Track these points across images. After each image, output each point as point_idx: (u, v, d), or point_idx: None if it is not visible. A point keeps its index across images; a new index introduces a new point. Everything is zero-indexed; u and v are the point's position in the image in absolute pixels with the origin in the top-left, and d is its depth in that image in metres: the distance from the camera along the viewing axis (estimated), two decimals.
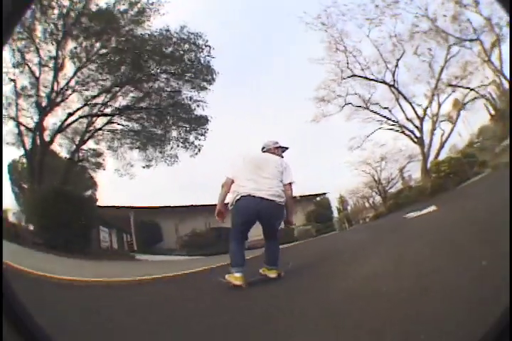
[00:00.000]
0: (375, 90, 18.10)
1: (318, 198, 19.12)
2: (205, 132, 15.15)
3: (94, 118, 14.59)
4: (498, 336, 0.83)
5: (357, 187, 20.34)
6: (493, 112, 17.70)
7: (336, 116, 17.94)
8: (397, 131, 18.00)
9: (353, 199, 20.89)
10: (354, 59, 17.23)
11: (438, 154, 16.76)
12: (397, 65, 16.92)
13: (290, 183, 3.52)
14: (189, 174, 18.34)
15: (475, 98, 17.16)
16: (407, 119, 17.52)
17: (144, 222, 14.68)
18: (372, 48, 17.22)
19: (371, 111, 18.01)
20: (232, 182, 3.50)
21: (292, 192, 3.56)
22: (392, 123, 18.12)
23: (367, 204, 20.92)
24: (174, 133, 15.61)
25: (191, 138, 15.43)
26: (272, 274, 3.43)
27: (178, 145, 15.48)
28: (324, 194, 18.95)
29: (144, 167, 15.62)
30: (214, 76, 14.86)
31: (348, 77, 17.34)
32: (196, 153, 15.28)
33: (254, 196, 3.26)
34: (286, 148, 4.02)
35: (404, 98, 17.27)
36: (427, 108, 17.33)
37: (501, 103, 17.13)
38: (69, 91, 13.51)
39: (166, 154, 15.61)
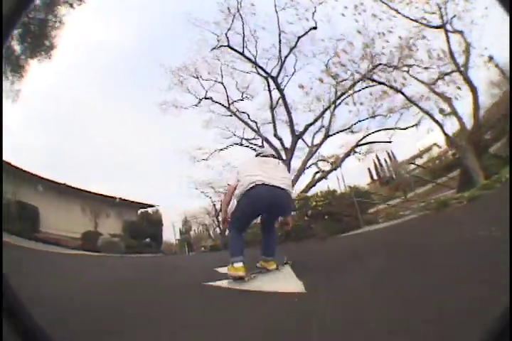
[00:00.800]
0: (252, 98, 14.87)
1: (149, 210, 16.04)
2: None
3: None
4: (498, 336, 0.89)
5: (198, 210, 18.04)
6: (375, 177, 17.40)
7: (191, 112, 15.10)
8: (253, 149, 14.86)
9: (194, 223, 18.78)
10: (244, 36, 13.13)
11: (307, 190, 12.86)
12: (293, 48, 13.28)
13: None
14: None
15: (371, 142, 14.27)
16: (276, 136, 13.97)
17: None
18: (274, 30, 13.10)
19: (236, 116, 14.69)
20: (235, 189, 3.61)
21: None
22: (255, 142, 15.07)
23: (206, 233, 18.74)
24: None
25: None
26: (271, 266, 3.60)
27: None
28: (152, 206, 15.77)
29: None
30: None
31: (220, 46, 13.30)
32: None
33: (268, 184, 3.36)
34: (278, 157, 4.31)
35: (286, 107, 13.50)
36: (310, 125, 13.85)
37: (389, 171, 17.27)
38: None
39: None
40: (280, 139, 13.85)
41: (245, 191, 3.40)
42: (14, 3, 1.05)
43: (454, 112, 10.15)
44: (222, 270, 3.62)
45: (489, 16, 9.52)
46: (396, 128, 13.34)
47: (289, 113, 13.50)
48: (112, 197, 13.79)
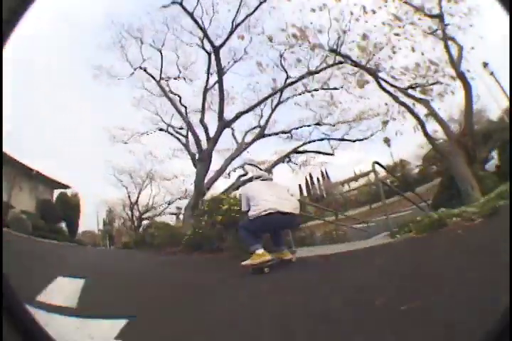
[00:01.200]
0: (191, 83, 13.42)
1: (68, 192, 14.30)
2: None
3: None
4: (498, 336, 0.92)
5: (116, 201, 16.46)
6: (305, 194, 17.70)
7: (124, 85, 14.31)
8: (177, 138, 13.67)
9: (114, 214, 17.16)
10: None
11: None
12: (250, 15, 11.59)
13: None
14: None
15: (310, 151, 13.08)
16: (201, 123, 12.53)
17: None
18: None
19: (166, 96, 13.14)
20: (247, 212, 4.05)
21: None
22: (181, 132, 13.66)
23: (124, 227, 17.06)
24: None
25: None
26: (286, 256, 4.02)
27: None
28: (68, 187, 14.10)
29: None
30: None
31: (173, 2, 11.58)
32: None
33: (280, 211, 3.81)
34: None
35: (220, 86, 11.99)
36: (242, 113, 12.47)
37: (320, 190, 17.69)
38: None
39: None
40: (205, 127, 12.54)
41: (261, 216, 3.81)
42: (14, 3, 1.08)
43: (434, 114, 8.45)
44: None
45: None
46: (343, 140, 12.33)
47: (221, 93, 11.94)
48: (29, 168, 12.18)
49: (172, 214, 15.52)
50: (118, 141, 13.78)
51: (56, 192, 14.17)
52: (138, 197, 15.42)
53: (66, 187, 14.24)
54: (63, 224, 13.25)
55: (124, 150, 14.06)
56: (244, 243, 3.97)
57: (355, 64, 9.72)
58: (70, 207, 13.78)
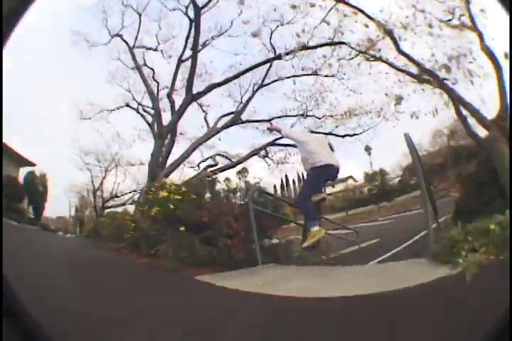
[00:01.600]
0: (169, 58, 12.22)
1: (37, 172, 13.50)
2: None
3: None
4: (498, 336, 0.94)
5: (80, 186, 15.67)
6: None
7: (100, 53, 12.63)
8: (142, 115, 12.87)
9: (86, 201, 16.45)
10: None
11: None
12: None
13: None
14: None
15: (287, 145, 11.58)
16: (169, 97, 11.62)
17: None
18: None
19: (138, 69, 12.39)
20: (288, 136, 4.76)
21: None
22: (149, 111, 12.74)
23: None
24: None
25: None
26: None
27: None
28: (33, 164, 12.96)
29: None
30: None
31: None
32: None
33: (332, 164, 4.23)
34: None
35: (194, 55, 11.03)
36: (215, 86, 11.53)
37: (295, 193, 17.31)
38: None
39: None
40: (172, 101, 11.34)
41: (316, 166, 4.17)
42: (14, 3, 1.10)
43: (457, 96, 7.29)
44: None
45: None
46: (331, 134, 11.26)
47: (194, 61, 10.79)
48: None
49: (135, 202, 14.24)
50: (85, 118, 12.99)
51: (23, 171, 13.27)
52: (102, 182, 14.88)
53: (32, 164, 13.39)
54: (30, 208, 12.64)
55: (91, 129, 13.33)
56: (305, 214, 4.23)
57: (368, 17, 8.01)
58: (36, 188, 13.15)
